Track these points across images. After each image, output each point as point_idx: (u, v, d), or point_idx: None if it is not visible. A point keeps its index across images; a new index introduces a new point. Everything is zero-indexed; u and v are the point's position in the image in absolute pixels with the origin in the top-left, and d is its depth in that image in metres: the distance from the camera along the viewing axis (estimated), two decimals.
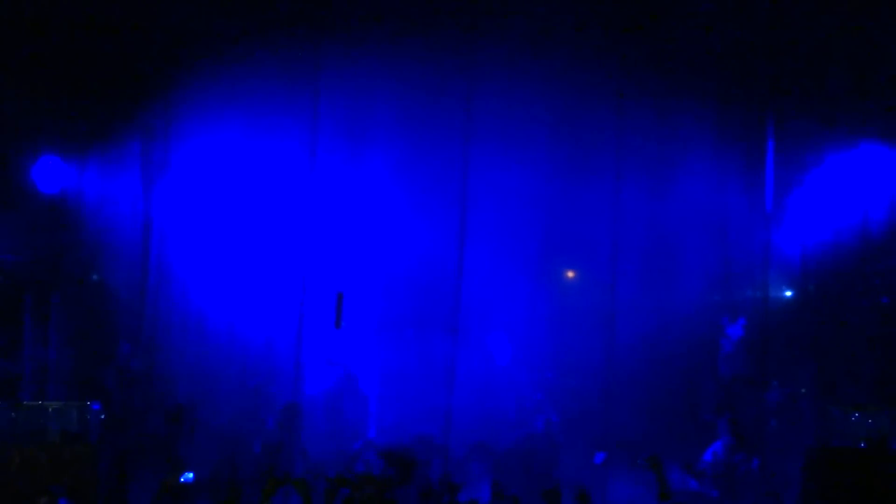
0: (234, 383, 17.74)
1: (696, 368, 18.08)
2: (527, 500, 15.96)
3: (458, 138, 17.82)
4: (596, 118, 17.95)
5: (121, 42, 17.55)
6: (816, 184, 17.88)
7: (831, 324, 17.70)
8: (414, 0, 17.66)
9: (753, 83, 17.87)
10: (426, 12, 17.66)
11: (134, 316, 17.63)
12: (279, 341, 17.85)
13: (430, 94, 17.86)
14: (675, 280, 17.95)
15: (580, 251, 18.54)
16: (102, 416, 16.75)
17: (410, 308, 18.28)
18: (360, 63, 17.75)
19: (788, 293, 18.10)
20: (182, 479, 12.66)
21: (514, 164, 18.12)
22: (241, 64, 17.65)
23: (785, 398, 17.63)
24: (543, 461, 17.48)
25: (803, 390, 17.65)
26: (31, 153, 17.72)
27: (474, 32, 17.69)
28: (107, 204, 17.83)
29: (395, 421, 17.86)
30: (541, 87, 17.88)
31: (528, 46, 17.84)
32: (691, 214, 18.02)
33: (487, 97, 17.86)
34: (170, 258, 17.76)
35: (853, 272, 17.71)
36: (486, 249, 18.09)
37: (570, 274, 19.14)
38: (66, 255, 17.79)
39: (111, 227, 17.79)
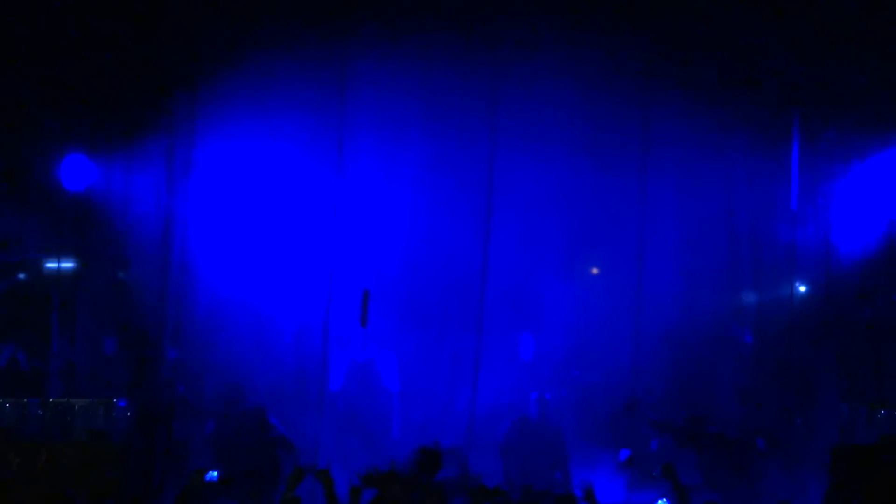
0: (261, 380, 17.77)
1: (721, 365, 18.03)
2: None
3: (484, 136, 17.82)
4: (622, 115, 17.95)
5: (147, 41, 17.62)
6: (843, 182, 17.83)
7: (856, 321, 17.66)
8: (439, 0, 17.69)
9: (780, 80, 17.82)
10: (452, 12, 17.67)
11: (160, 314, 17.67)
12: (306, 338, 17.89)
13: (456, 92, 17.87)
14: (700, 277, 17.93)
15: (605, 248, 18.56)
16: (129, 414, 16.88)
17: (435, 305, 18.27)
18: (385, 62, 17.75)
19: (814, 291, 17.99)
20: (207, 478, 12.72)
21: (540, 161, 18.13)
22: (267, 62, 17.67)
23: (810, 396, 17.58)
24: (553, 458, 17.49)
25: (828, 388, 17.60)
26: (57, 152, 17.78)
27: (500, 31, 17.69)
28: (133, 202, 17.87)
29: (420, 418, 17.87)
30: (566, 85, 17.87)
31: (553, 44, 17.81)
32: (717, 211, 18.01)
33: (513, 94, 17.86)
34: (196, 256, 17.76)
35: (878, 271, 17.66)
36: (512, 246, 18.10)
37: (595, 270, 19.13)
38: (92, 253, 17.85)
39: (137, 225, 17.82)
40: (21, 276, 18.05)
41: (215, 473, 12.78)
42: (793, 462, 17.13)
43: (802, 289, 17.97)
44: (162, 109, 17.73)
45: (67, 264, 17.83)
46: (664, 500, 16.13)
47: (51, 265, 17.90)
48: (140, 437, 16.82)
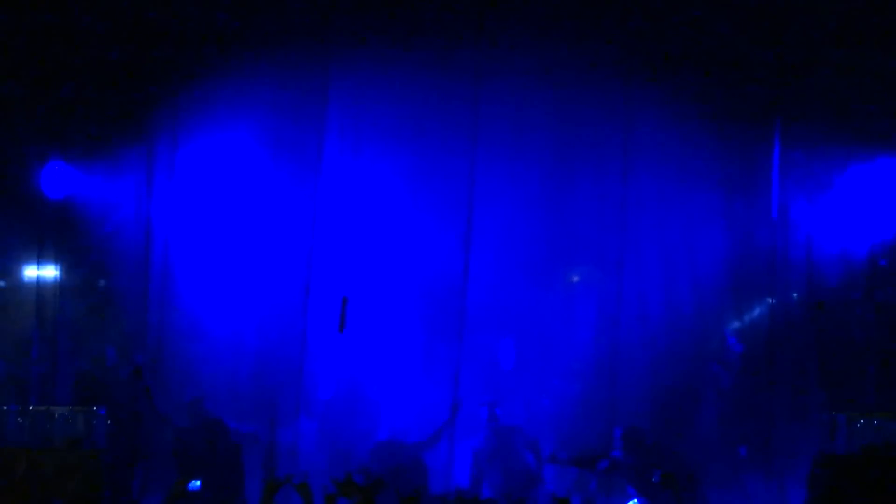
0: (241, 388, 17.75)
1: (702, 374, 18.04)
2: None
3: (465, 144, 17.83)
4: (603, 125, 17.96)
5: (128, 48, 17.61)
6: (824, 191, 17.85)
7: (837, 331, 17.69)
8: (422, 7, 17.67)
9: (761, 88, 17.85)
10: (434, 18, 17.68)
11: (140, 321, 17.63)
12: (286, 346, 17.87)
13: (438, 99, 17.87)
14: (681, 286, 17.93)
15: (586, 257, 18.53)
16: (108, 422, 16.82)
17: (417, 313, 18.25)
18: (368, 69, 17.77)
19: (795, 300, 17.98)
20: (189, 487, 12.69)
21: (521, 169, 18.13)
22: (248, 69, 17.68)
23: (791, 405, 17.60)
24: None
25: (809, 397, 17.62)
26: (37, 159, 17.73)
27: (482, 39, 17.70)
28: (113, 209, 17.84)
29: (402, 426, 17.83)
30: (548, 94, 17.89)
31: (535, 53, 17.84)
32: (698, 220, 17.99)
33: (494, 103, 17.86)
34: (176, 264, 17.76)
35: (861, 282, 17.70)
36: (492, 254, 18.10)
37: (576, 279, 19.12)
38: (72, 260, 17.79)
39: (118, 232, 17.80)
40: (1, 283, 17.96)
41: (198, 483, 12.75)
42: (774, 471, 17.16)
43: (784, 298, 17.90)
44: (144, 117, 17.72)
45: (48, 271, 17.75)
46: (635, 500, 16.21)
47: (31, 272, 17.81)
48: (120, 446, 16.78)
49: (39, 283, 17.71)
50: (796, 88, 17.72)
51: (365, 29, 17.77)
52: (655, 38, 17.77)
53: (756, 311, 17.91)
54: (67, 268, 17.74)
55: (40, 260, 17.71)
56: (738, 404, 17.84)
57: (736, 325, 18.16)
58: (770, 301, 17.74)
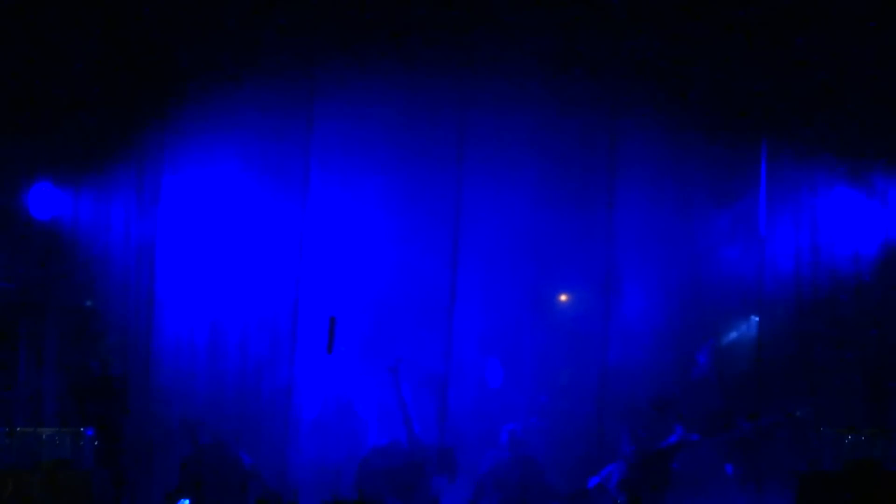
0: (231, 409, 17.75)
1: (689, 392, 18.07)
2: None
3: (451, 164, 17.90)
4: (588, 144, 18.04)
5: (115, 70, 17.62)
6: (811, 210, 17.89)
7: (824, 348, 17.73)
8: (407, 30, 17.72)
9: (747, 107, 17.91)
10: (419, 42, 17.74)
11: (128, 342, 17.63)
12: (275, 366, 17.88)
13: (423, 121, 17.94)
14: (669, 304, 17.99)
15: (573, 275, 18.57)
16: (96, 442, 16.80)
17: (404, 333, 18.26)
18: (353, 92, 17.82)
19: (782, 317, 18.02)
20: None
21: (507, 189, 18.20)
22: (235, 93, 17.71)
23: (778, 421, 17.63)
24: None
25: (798, 412, 17.66)
26: (24, 180, 17.73)
27: (467, 60, 17.77)
28: (100, 231, 17.83)
29: (391, 445, 17.83)
30: (533, 113, 17.96)
31: (520, 73, 17.91)
32: (685, 238, 18.05)
33: (480, 122, 17.94)
34: (164, 285, 17.76)
35: (847, 297, 17.75)
36: (479, 274, 18.15)
37: (563, 298, 19.17)
38: (59, 281, 17.77)
39: (105, 253, 17.79)
40: None
41: (187, 501, 12.73)
42: (761, 488, 17.18)
43: (771, 315, 17.94)
44: (131, 139, 17.74)
45: (35, 292, 17.73)
46: None
47: (18, 293, 17.78)
48: (107, 466, 16.76)
49: (27, 304, 17.70)
50: (781, 107, 17.78)
51: (349, 54, 17.82)
52: (642, 61, 17.84)
53: (743, 328, 17.94)
54: (54, 289, 17.72)
55: (28, 281, 17.70)
56: (725, 421, 17.86)
57: (724, 342, 18.19)
58: (756, 318, 17.80)
